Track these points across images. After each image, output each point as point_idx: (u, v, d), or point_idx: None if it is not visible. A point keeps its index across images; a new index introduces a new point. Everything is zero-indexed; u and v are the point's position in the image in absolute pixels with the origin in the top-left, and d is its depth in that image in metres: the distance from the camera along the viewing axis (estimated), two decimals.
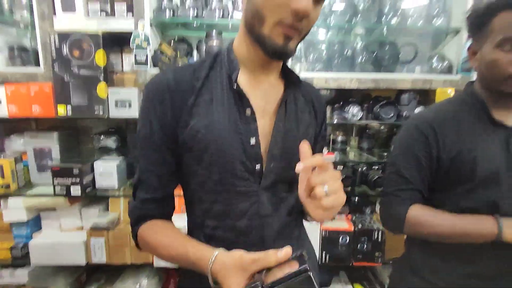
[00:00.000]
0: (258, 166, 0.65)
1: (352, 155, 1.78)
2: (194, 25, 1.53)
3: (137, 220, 0.69)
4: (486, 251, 0.83)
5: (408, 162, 0.89)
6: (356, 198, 1.76)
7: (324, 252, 1.56)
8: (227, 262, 0.53)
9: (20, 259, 1.55)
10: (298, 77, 0.71)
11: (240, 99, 0.64)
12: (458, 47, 1.48)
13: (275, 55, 0.60)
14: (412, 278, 0.94)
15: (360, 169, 1.68)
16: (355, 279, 1.75)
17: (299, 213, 0.75)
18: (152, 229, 0.67)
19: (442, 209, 0.86)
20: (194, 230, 0.70)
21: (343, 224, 1.58)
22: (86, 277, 1.70)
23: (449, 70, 1.52)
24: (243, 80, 0.66)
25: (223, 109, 0.63)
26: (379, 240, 1.56)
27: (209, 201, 0.66)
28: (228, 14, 1.49)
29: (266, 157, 0.66)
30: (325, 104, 0.82)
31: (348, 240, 1.55)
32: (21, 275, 1.58)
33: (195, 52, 1.63)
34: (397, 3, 1.55)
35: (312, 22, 0.60)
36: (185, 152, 0.64)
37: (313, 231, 1.53)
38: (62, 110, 1.39)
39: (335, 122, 1.64)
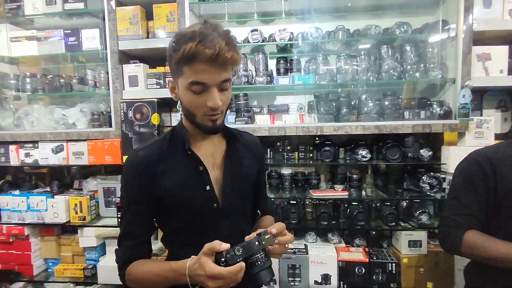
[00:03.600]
0: (215, 205, 0.91)
1: (369, 191, 1.96)
2: None
3: (125, 262, 0.90)
4: None
5: (467, 190, 1.08)
6: (374, 232, 1.91)
7: (341, 281, 1.72)
8: (198, 256, 0.77)
9: (90, 278, 1.94)
10: (233, 132, 0.98)
11: (194, 160, 0.90)
12: (454, 95, 1.66)
13: (209, 132, 0.89)
14: None
15: (374, 204, 1.86)
16: None
17: (248, 229, 1.00)
18: (138, 265, 0.89)
19: (500, 234, 1.01)
20: (171, 259, 0.90)
21: (359, 256, 1.74)
22: None
23: (448, 115, 1.69)
24: (193, 145, 0.92)
25: (183, 169, 0.89)
26: (393, 272, 1.68)
27: (183, 235, 0.92)
28: (252, 79, 1.86)
29: (221, 196, 0.92)
30: (261, 146, 1.08)
31: (363, 271, 1.70)
32: None
33: None
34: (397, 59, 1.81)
35: (227, 103, 0.86)
36: (162, 205, 0.89)
37: (331, 262, 1.71)
38: None
39: (347, 163, 1.87)
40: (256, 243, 0.77)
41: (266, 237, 0.78)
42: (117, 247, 0.93)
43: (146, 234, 0.94)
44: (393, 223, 1.74)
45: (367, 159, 1.79)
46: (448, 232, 1.10)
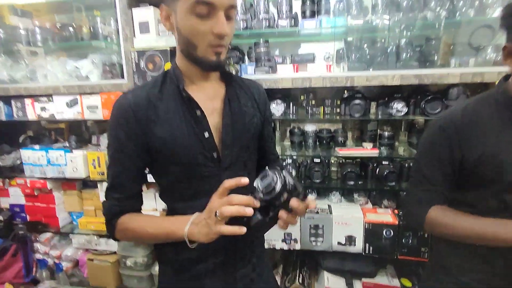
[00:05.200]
0: (215, 154, 0.81)
1: (401, 150, 1.79)
2: (245, 35, 1.73)
3: (114, 215, 0.82)
4: (506, 252, 0.84)
5: (431, 162, 0.91)
6: (404, 193, 1.77)
7: (367, 243, 1.62)
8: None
9: None
10: (233, 76, 0.88)
11: (190, 104, 0.79)
12: None
13: (211, 69, 0.79)
14: (440, 275, 0.98)
15: (407, 164, 1.70)
16: (403, 274, 1.76)
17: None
18: (130, 218, 0.82)
19: (472, 209, 0.87)
20: (169, 214, 0.87)
21: (387, 217, 1.62)
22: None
23: None
24: (190, 88, 0.81)
25: (179, 115, 0.79)
26: (425, 235, 1.55)
27: (182, 188, 0.83)
28: (274, 22, 1.65)
29: (221, 145, 0.82)
30: (265, 94, 0.96)
31: (392, 234, 1.58)
32: (113, 244, 1.99)
33: (246, 58, 1.82)
34: None
35: (231, 36, 0.76)
36: (157, 155, 0.80)
37: (357, 223, 1.61)
38: None
39: (379, 118, 1.68)
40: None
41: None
42: (105, 199, 0.85)
43: (136, 186, 0.85)
44: None
45: (402, 113, 1.59)
46: (411, 208, 0.97)
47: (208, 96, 0.84)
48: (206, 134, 0.80)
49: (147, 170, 0.87)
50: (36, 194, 2.03)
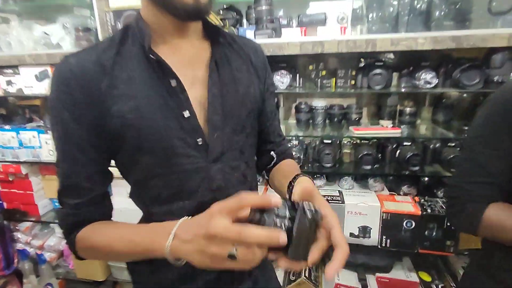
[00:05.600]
0: (199, 140, 0.59)
1: (423, 128, 1.55)
2: None
3: (72, 227, 0.61)
4: None
5: (490, 148, 0.71)
6: (426, 178, 1.56)
7: (384, 236, 1.42)
8: (196, 217, 0.49)
9: None
10: (221, 31, 0.64)
11: (162, 71, 0.57)
12: None
13: (189, 17, 0.56)
14: (488, 281, 0.79)
15: (432, 145, 1.47)
16: (422, 267, 1.58)
17: (253, 178, 0.71)
18: (94, 231, 0.60)
19: None
20: (143, 222, 0.67)
21: (408, 207, 1.41)
22: None
23: None
24: (160, 49, 0.59)
25: (146, 85, 0.56)
26: (452, 227, 1.35)
27: (157, 186, 0.61)
28: None
29: (208, 127, 0.60)
30: (265, 56, 0.73)
31: (413, 225, 1.38)
32: None
33: (244, 21, 1.54)
34: None
35: None
36: (119, 141, 0.57)
37: (373, 213, 1.40)
38: None
39: (403, 91, 1.43)
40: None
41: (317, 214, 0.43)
42: (59, 206, 0.63)
43: (98, 186, 0.61)
44: None
45: (432, 85, 1.34)
46: (460, 206, 0.76)
47: (187, 60, 0.61)
48: (186, 113, 0.57)
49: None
50: (11, 179, 1.81)
